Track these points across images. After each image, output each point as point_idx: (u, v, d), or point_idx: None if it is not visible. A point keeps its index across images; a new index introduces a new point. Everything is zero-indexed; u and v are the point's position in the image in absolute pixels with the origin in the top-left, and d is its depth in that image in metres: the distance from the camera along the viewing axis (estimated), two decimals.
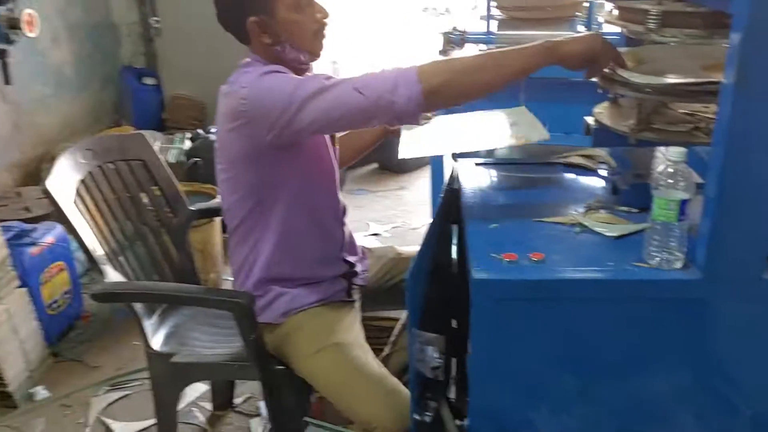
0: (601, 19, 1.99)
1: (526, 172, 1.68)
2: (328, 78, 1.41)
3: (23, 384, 2.37)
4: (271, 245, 1.60)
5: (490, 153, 1.88)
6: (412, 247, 1.84)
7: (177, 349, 1.74)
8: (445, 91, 1.35)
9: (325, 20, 1.52)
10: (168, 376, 1.76)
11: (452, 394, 1.71)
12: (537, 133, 1.54)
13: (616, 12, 1.36)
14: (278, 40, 1.49)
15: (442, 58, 1.43)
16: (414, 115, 1.37)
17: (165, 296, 1.70)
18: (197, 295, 1.64)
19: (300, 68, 1.55)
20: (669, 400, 1.25)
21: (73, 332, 2.73)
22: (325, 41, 1.56)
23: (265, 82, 1.43)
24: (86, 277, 2.96)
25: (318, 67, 1.66)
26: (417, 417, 1.36)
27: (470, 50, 2.36)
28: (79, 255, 2.75)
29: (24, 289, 2.43)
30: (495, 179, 1.65)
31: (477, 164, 1.72)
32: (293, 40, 1.50)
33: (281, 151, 1.48)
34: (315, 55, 1.56)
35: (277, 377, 1.63)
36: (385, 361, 1.67)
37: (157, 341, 1.78)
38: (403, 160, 1.72)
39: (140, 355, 2.54)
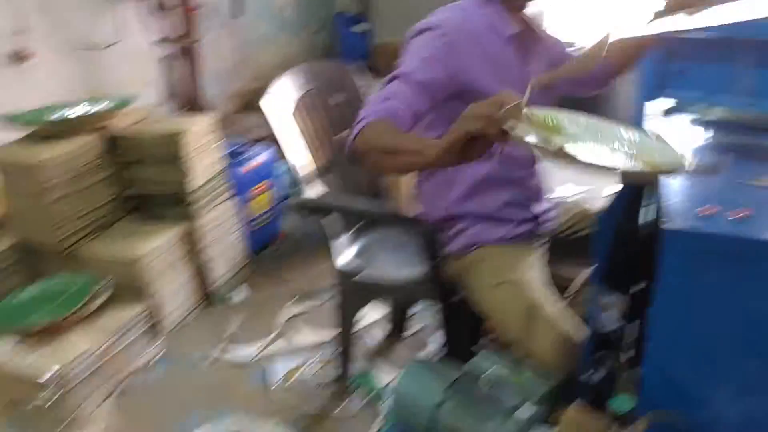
0: None
1: (742, 135, 1.57)
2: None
3: (225, 286, 2.66)
4: (460, 184, 1.64)
5: (703, 114, 1.76)
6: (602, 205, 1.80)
7: (362, 268, 1.86)
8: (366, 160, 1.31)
9: None
10: (352, 293, 1.89)
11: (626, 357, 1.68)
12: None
13: None
14: None
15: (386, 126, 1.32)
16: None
17: (358, 212, 1.81)
18: (388, 215, 1.74)
19: (517, 4, 1.55)
20: None
21: (270, 247, 3.00)
22: None
23: (414, 42, 1.48)
24: (287, 200, 3.23)
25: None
26: (588, 372, 1.35)
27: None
28: (284, 179, 3.00)
29: (234, 201, 2.71)
30: (704, 138, 1.56)
31: (687, 123, 1.64)
32: None
33: (458, 99, 1.51)
34: None
35: (455, 305, 1.69)
36: None
37: (344, 259, 1.91)
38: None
39: (327, 274, 2.75)
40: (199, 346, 2.38)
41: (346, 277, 1.87)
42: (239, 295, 2.66)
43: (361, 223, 1.99)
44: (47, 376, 1.96)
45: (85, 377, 2.06)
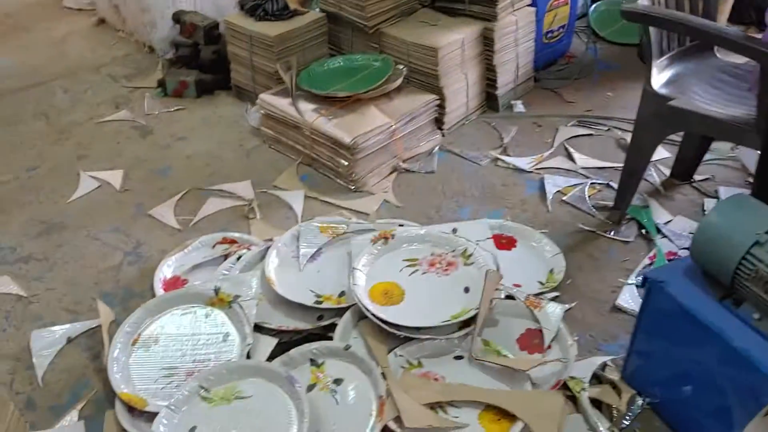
0: None
1: None
2: None
3: (507, 94, 2.64)
4: None
5: None
6: None
7: (676, 95, 1.73)
8: None
9: None
10: (658, 118, 1.77)
11: None
12: None
13: None
14: None
15: None
16: None
17: (699, 31, 1.62)
18: (734, 37, 1.55)
19: None
20: None
21: (555, 66, 2.90)
22: None
23: None
24: (581, 20, 3.07)
25: None
26: None
27: None
28: None
29: (533, 9, 2.60)
30: None
31: None
32: None
33: None
34: None
35: None
36: None
37: (657, 82, 1.78)
38: None
39: (611, 104, 2.62)
40: (476, 145, 2.42)
41: (655, 99, 1.75)
42: (519, 106, 2.64)
43: (685, 46, 1.82)
44: (348, 139, 2.12)
45: (375, 150, 2.20)
